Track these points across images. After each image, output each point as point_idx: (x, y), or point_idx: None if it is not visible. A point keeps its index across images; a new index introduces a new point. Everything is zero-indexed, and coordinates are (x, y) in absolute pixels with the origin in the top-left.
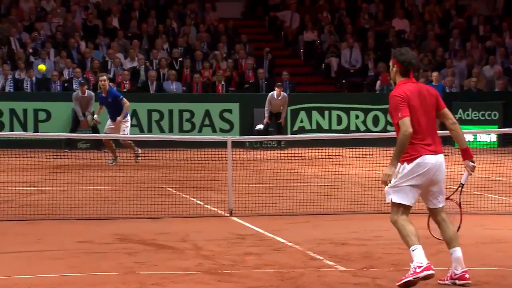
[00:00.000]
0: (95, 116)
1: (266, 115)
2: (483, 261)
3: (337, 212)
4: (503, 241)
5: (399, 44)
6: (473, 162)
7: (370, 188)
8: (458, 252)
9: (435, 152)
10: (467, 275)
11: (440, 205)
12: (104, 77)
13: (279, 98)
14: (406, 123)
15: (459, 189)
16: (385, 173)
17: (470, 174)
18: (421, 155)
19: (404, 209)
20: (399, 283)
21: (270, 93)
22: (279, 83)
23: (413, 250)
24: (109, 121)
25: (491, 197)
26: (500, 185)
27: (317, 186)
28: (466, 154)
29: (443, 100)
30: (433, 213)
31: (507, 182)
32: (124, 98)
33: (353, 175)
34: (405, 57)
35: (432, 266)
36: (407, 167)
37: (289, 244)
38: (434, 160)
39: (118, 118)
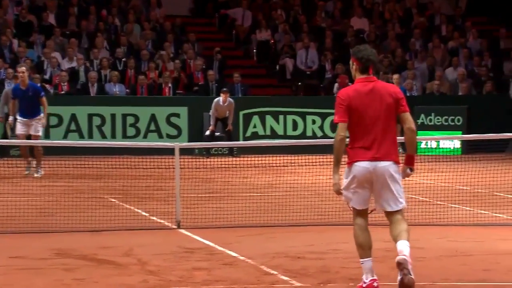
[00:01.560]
0: (10, 118)
1: (212, 122)
2: (446, 276)
3: (293, 223)
4: (467, 253)
5: (358, 44)
6: (411, 170)
7: (328, 197)
8: (400, 244)
9: (376, 159)
10: (402, 255)
11: (388, 209)
12: (23, 68)
13: (225, 104)
14: (339, 128)
15: None
16: (333, 184)
17: (403, 178)
18: (356, 161)
19: (358, 212)
20: None
21: (216, 99)
22: (225, 89)
23: (361, 263)
24: (20, 126)
25: (455, 207)
26: (464, 195)
27: (271, 196)
28: (409, 160)
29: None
30: (386, 214)
31: (471, 191)
32: (45, 96)
33: (310, 184)
34: (363, 53)
35: (375, 284)
36: (347, 170)
37: (241, 258)
38: (370, 167)
39: (43, 121)
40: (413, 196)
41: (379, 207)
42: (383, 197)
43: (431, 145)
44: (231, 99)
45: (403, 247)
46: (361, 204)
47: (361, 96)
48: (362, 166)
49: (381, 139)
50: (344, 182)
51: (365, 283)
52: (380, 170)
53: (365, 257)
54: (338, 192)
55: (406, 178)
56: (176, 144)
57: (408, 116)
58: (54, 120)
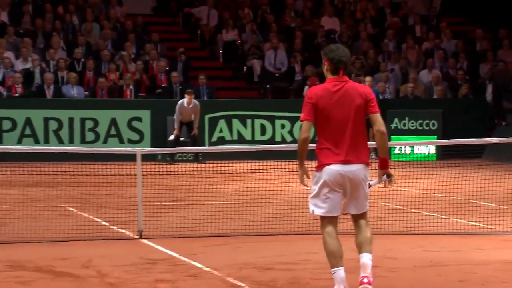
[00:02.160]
0: None
1: (176, 126)
2: (420, 287)
3: (261, 233)
4: (443, 264)
5: (328, 45)
6: (389, 176)
7: (298, 206)
8: (364, 258)
9: (346, 162)
10: (365, 280)
11: (353, 212)
12: None
13: (190, 106)
14: (303, 127)
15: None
16: (298, 175)
17: (383, 185)
18: (326, 164)
19: (328, 220)
20: None
21: (180, 101)
22: (189, 90)
23: (333, 273)
24: None
25: (430, 215)
26: (439, 203)
27: (238, 204)
28: (383, 164)
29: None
30: (352, 216)
31: (447, 199)
32: None
33: (279, 191)
34: (335, 53)
35: None
36: (317, 175)
37: (207, 269)
38: (342, 170)
39: None
40: (386, 204)
41: (346, 210)
42: (353, 200)
43: (405, 150)
44: (196, 101)
45: (366, 262)
46: (333, 210)
47: (330, 96)
48: (333, 169)
49: (351, 141)
50: (314, 189)
51: None
52: (353, 173)
53: (337, 267)
54: (303, 182)
55: (379, 186)
56: (138, 150)
57: (377, 117)
58: (7, 124)
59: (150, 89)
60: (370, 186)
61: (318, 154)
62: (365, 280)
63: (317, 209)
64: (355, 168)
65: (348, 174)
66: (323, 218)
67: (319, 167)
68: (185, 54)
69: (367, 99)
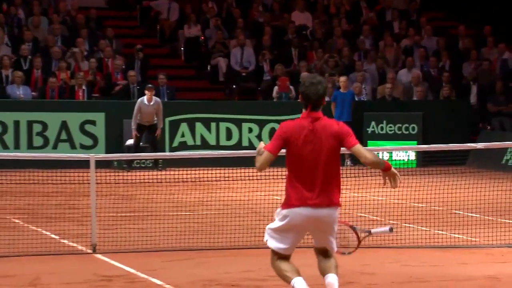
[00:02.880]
0: None
1: (134, 126)
2: None
3: (227, 246)
4: (424, 280)
5: (299, 42)
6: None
7: (267, 216)
8: (330, 277)
9: (317, 205)
10: None
11: (319, 246)
12: None
13: (151, 104)
14: (264, 157)
15: (363, 235)
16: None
17: (394, 186)
18: (295, 206)
19: (281, 255)
20: None
21: (140, 99)
22: (150, 86)
23: (293, 285)
24: None
25: (409, 227)
26: (420, 213)
27: (201, 215)
28: (386, 168)
29: (350, 126)
30: (316, 248)
31: (427, 209)
32: None
33: (246, 201)
34: (305, 88)
35: None
36: (283, 212)
37: (167, 286)
38: (311, 215)
39: None
40: (362, 215)
41: (314, 243)
42: (321, 240)
43: (382, 156)
44: (158, 99)
45: (332, 282)
46: (289, 250)
47: (303, 133)
48: (301, 213)
49: (322, 182)
50: (276, 223)
51: None
52: (323, 217)
53: (294, 276)
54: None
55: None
56: (92, 156)
57: (358, 149)
58: None
59: (105, 89)
60: (370, 233)
61: (288, 190)
62: None
63: (273, 242)
64: (325, 213)
65: (317, 218)
66: (275, 252)
67: (287, 206)
68: (143, 52)
69: (340, 138)
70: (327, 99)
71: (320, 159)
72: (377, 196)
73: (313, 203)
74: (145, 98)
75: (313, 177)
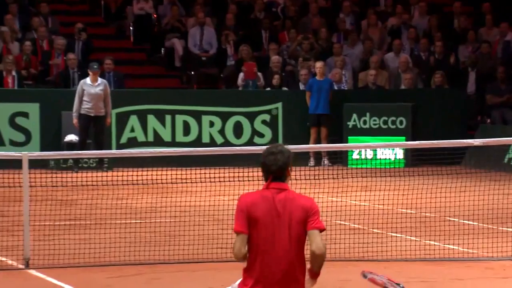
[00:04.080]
0: None
1: (75, 113)
2: None
3: (184, 260)
4: None
5: (269, 21)
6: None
7: (230, 225)
8: None
9: None
10: None
11: None
12: None
13: (96, 85)
14: (236, 242)
15: None
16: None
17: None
18: None
19: None
20: None
21: (81, 81)
22: (95, 66)
23: None
24: None
25: (396, 237)
26: (409, 221)
27: (154, 224)
28: (313, 275)
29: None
30: None
31: (417, 216)
32: None
33: (207, 207)
34: (262, 159)
35: None
36: None
37: None
38: None
39: None
40: (342, 223)
41: None
42: None
43: (365, 155)
44: (104, 80)
45: None
46: None
47: (262, 207)
48: None
49: (288, 264)
50: None
51: None
52: None
53: None
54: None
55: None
56: (24, 154)
57: (315, 235)
58: None
59: (40, 76)
60: None
61: (246, 273)
62: None
63: None
64: None
65: None
66: None
67: None
68: (85, 31)
69: (308, 213)
70: (301, 87)
71: (284, 237)
72: (359, 201)
73: None
74: (88, 79)
75: (275, 261)
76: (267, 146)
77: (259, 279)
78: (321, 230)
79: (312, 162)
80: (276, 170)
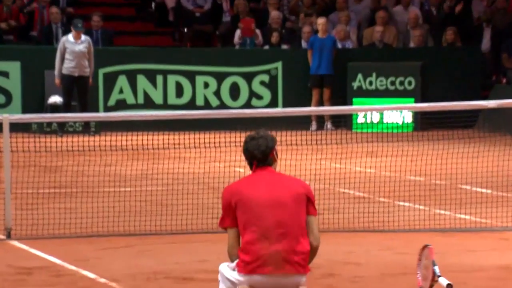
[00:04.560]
0: None
1: (57, 73)
2: None
3: (177, 231)
4: None
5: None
6: None
7: None
8: None
9: (274, 272)
10: None
11: None
12: None
13: (79, 43)
14: (229, 238)
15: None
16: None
17: None
18: (251, 274)
19: None
20: None
21: (63, 38)
22: (79, 24)
23: None
24: None
25: (404, 206)
26: (417, 189)
27: (145, 192)
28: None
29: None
30: None
31: (427, 183)
32: None
33: (202, 174)
34: (244, 146)
35: None
36: (240, 279)
37: (102, 280)
38: (268, 285)
39: None
40: (346, 191)
41: None
42: None
43: (371, 118)
44: (88, 37)
45: None
46: None
47: (255, 184)
48: (258, 282)
49: (288, 239)
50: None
51: None
52: (282, 285)
53: None
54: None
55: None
56: (5, 117)
57: (313, 223)
58: None
59: (21, 32)
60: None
61: (242, 251)
62: None
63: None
64: (288, 280)
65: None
66: None
67: (243, 270)
68: None
69: (307, 195)
70: (303, 45)
71: (286, 211)
72: (365, 167)
73: (270, 271)
74: (70, 35)
75: (276, 233)
76: (248, 134)
77: (258, 252)
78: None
79: (314, 126)
80: (259, 155)
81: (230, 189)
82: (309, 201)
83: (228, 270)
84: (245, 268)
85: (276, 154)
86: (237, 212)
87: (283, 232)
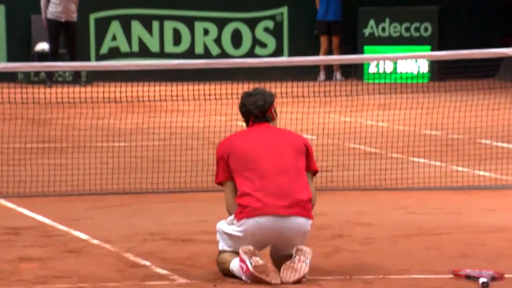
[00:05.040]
0: None
1: (43, 15)
2: (404, 265)
3: (175, 189)
4: (437, 232)
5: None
6: None
7: None
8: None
9: (275, 212)
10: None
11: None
12: None
13: None
14: (226, 193)
15: None
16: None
17: None
18: (251, 217)
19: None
20: None
21: None
22: None
23: (233, 268)
24: None
25: (419, 162)
26: (433, 143)
27: (140, 147)
28: None
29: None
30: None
31: (444, 138)
32: None
33: (201, 128)
34: (241, 102)
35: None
36: (239, 227)
37: (94, 242)
38: (272, 224)
39: None
40: (357, 146)
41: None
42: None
43: (384, 68)
44: None
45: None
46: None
47: (250, 134)
48: (265, 221)
49: (286, 185)
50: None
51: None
52: (285, 227)
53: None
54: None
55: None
56: None
57: (311, 184)
58: None
59: None
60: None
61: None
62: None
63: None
64: (293, 221)
65: (281, 227)
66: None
67: (241, 215)
68: None
69: (307, 148)
70: None
71: (284, 159)
72: (376, 121)
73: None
74: None
75: (277, 179)
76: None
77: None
78: (316, 172)
79: (322, 77)
80: (255, 110)
81: (222, 143)
82: (308, 154)
83: (226, 226)
84: (243, 213)
85: (275, 112)
86: (230, 163)
87: (283, 172)
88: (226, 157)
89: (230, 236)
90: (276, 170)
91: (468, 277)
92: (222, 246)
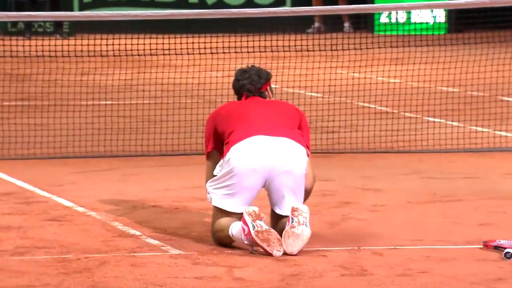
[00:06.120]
0: None
1: None
2: (417, 235)
3: (167, 152)
4: (454, 198)
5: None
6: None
7: None
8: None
9: (265, 133)
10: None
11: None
12: None
13: None
14: (207, 168)
15: None
16: None
17: None
18: (244, 138)
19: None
20: None
21: None
22: None
23: (232, 232)
24: None
25: (435, 122)
26: (450, 101)
27: (129, 106)
28: None
29: None
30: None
31: (462, 95)
32: None
33: (196, 85)
34: (235, 78)
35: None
36: (231, 161)
37: (79, 209)
38: (262, 143)
39: None
40: (366, 105)
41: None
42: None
43: (397, 18)
44: None
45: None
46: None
47: (243, 102)
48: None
49: (275, 125)
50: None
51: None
52: (277, 146)
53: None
54: None
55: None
56: None
57: (307, 165)
58: None
59: None
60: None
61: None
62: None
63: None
64: (283, 141)
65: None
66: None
67: (232, 143)
68: None
69: (301, 121)
70: None
71: (277, 114)
72: (388, 77)
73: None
74: None
75: (267, 121)
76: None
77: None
78: (308, 149)
79: (317, 27)
80: (249, 85)
81: (211, 116)
82: (303, 131)
83: (214, 177)
84: (229, 143)
85: (271, 90)
86: (218, 129)
87: (275, 123)
88: (213, 128)
89: (220, 182)
90: (267, 119)
91: (496, 247)
92: (216, 201)
